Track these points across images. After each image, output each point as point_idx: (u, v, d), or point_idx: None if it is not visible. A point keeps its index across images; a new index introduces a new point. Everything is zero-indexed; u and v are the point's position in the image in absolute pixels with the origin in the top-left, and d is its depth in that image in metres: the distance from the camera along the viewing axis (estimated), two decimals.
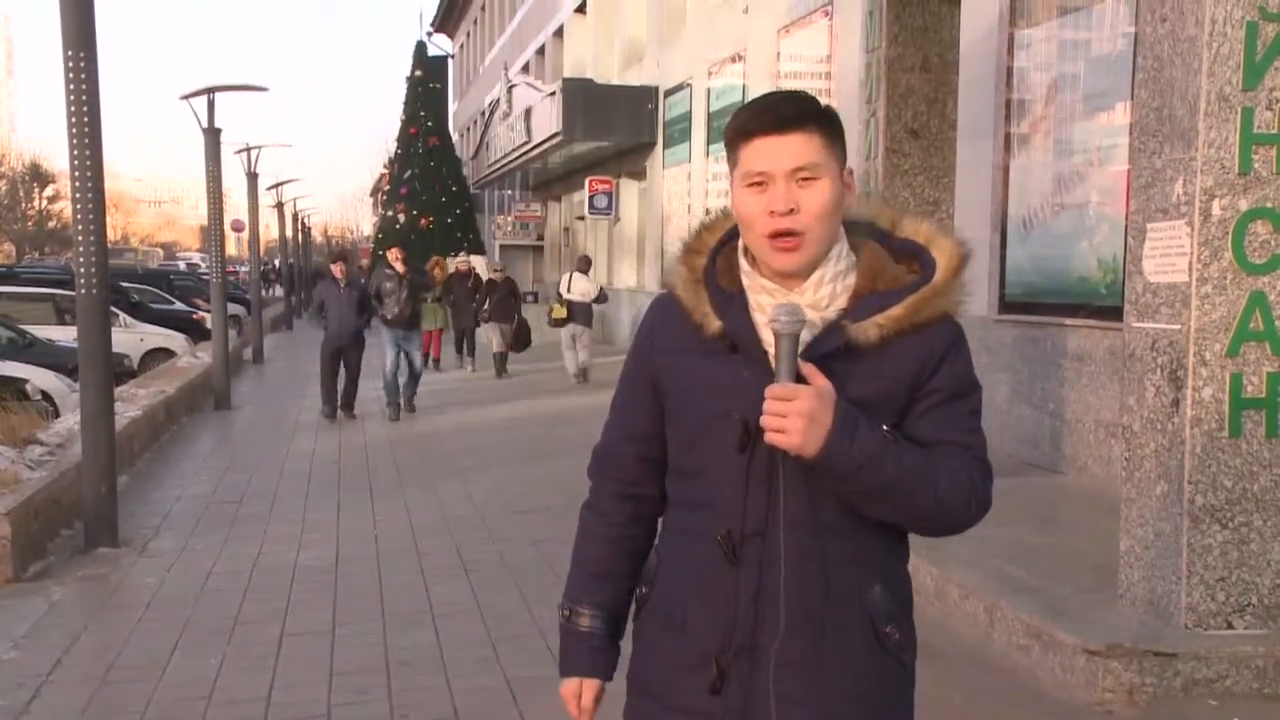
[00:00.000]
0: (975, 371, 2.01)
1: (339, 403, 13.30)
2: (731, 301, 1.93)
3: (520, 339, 17.62)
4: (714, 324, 1.93)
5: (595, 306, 16.85)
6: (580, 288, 16.27)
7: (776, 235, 1.85)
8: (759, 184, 1.86)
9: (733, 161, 1.92)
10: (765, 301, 1.90)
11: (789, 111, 1.87)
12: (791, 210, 1.84)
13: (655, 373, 2.03)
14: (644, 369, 2.06)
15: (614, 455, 2.12)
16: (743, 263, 1.95)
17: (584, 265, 17.17)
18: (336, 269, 13.42)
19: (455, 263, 19.61)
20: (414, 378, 13.80)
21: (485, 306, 17.74)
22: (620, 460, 2.10)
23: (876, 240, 1.97)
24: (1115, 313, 6.84)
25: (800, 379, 1.81)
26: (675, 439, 2.02)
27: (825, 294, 1.89)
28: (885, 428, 1.87)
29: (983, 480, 1.96)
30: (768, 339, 1.88)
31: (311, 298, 15.97)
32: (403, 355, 13.60)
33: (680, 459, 2.01)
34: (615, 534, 2.11)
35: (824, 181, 1.86)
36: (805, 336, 1.84)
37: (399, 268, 13.56)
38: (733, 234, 2.01)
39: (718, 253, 2.00)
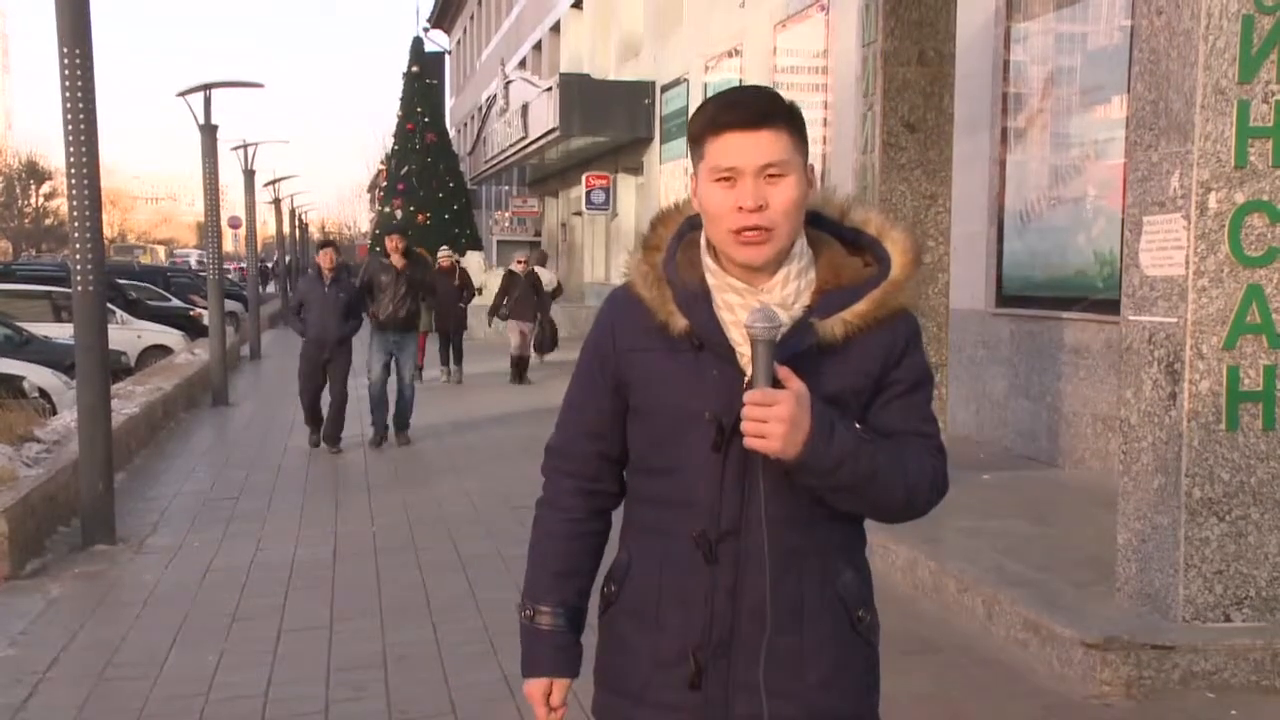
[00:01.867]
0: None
1: (321, 433, 10.96)
2: (696, 299, 1.92)
3: (546, 340, 16.23)
4: (680, 322, 1.92)
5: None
6: (545, 278, 17.66)
7: (744, 230, 1.86)
8: (727, 179, 1.86)
9: (698, 155, 1.92)
10: (732, 300, 1.90)
11: (759, 108, 1.87)
12: (761, 206, 1.85)
13: (618, 371, 2.01)
14: (605, 367, 2.04)
15: (571, 452, 2.10)
16: (707, 260, 1.95)
17: (542, 259, 18.74)
18: (324, 258, 10.80)
19: (440, 257, 17.02)
20: (404, 397, 11.24)
21: (505, 303, 16.25)
22: (578, 457, 2.09)
23: (826, 230, 1.98)
24: (1112, 306, 6.84)
25: (776, 382, 1.81)
26: (642, 437, 2.01)
27: (791, 291, 1.90)
28: (858, 425, 1.90)
29: (943, 466, 2.01)
30: (735, 338, 1.88)
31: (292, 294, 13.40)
32: (393, 367, 11.21)
33: (649, 457, 2.01)
34: (574, 530, 2.10)
35: (791, 178, 1.87)
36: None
37: (395, 260, 11.30)
38: (687, 227, 2.00)
39: (675, 248, 1.99)
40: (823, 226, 1.98)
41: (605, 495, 2.10)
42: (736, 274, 1.91)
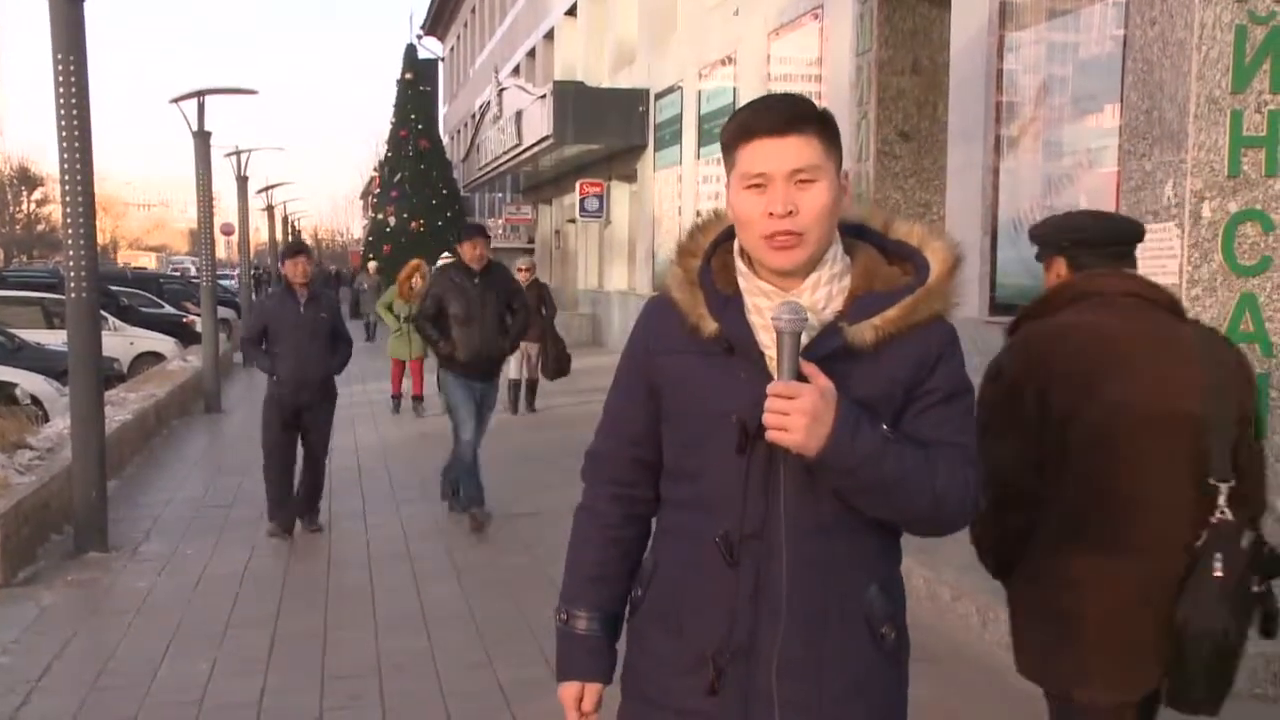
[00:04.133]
0: (968, 374, 2.01)
1: (297, 509, 7.83)
2: (728, 303, 1.93)
3: (555, 363, 12.77)
4: (710, 326, 1.93)
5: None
6: None
7: (775, 235, 1.86)
8: (758, 185, 1.86)
9: (730, 163, 1.92)
10: (762, 304, 1.90)
11: (788, 114, 1.87)
12: (790, 212, 1.84)
13: (651, 375, 2.02)
14: (639, 371, 2.05)
15: (608, 458, 2.11)
16: (739, 264, 1.95)
17: None
18: (295, 269, 7.68)
19: (442, 265, 11.57)
20: (471, 466, 7.96)
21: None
22: (615, 463, 2.10)
23: (869, 242, 1.98)
24: None
25: (801, 378, 1.81)
26: (672, 440, 2.02)
27: (822, 296, 1.90)
28: (885, 427, 1.87)
29: (977, 479, 1.96)
30: (765, 341, 1.88)
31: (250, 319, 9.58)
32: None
33: (677, 460, 2.01)
34: (611, 535, 2.11)
35: (822, 184, 1.86)
36: (803, 339, 1.84)
37: (475, 267, 7.77)
38: (726, 235, 2.01)
39: (712, 254, 2.00)
40: (867, 239, 1.98)
41: (641, 501, 2.10)
42: (768, 278, 1.91)
